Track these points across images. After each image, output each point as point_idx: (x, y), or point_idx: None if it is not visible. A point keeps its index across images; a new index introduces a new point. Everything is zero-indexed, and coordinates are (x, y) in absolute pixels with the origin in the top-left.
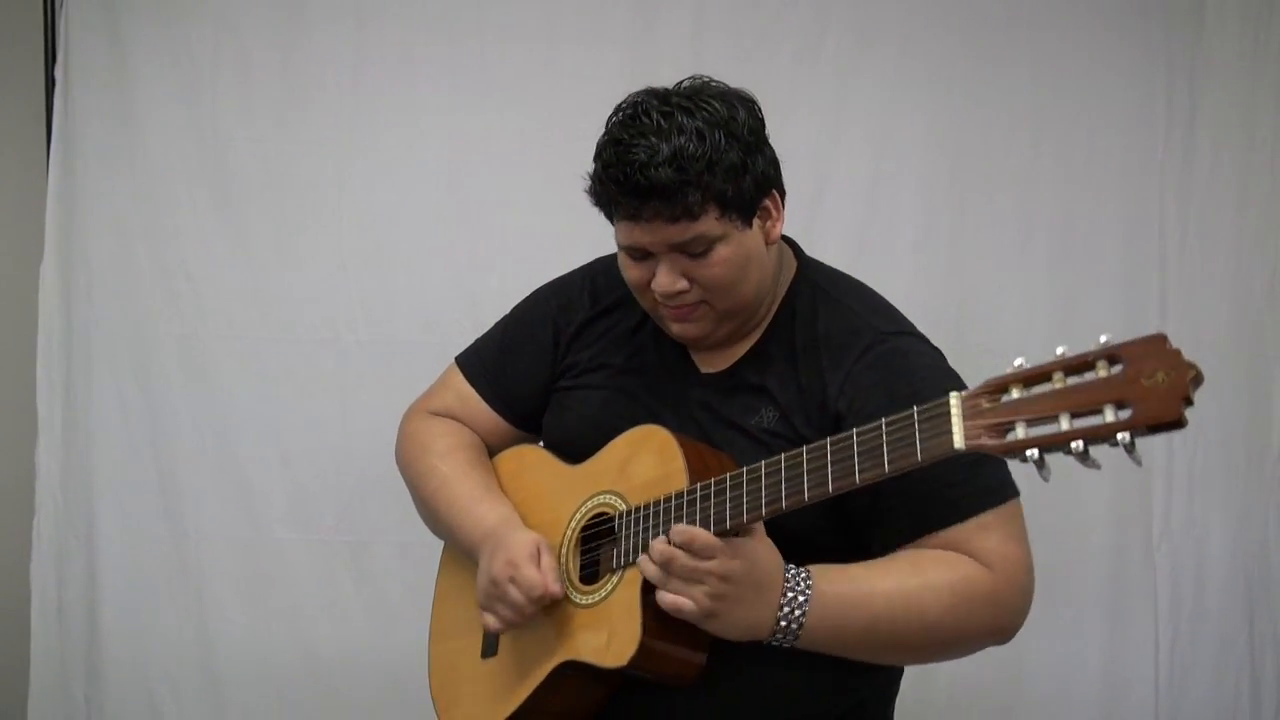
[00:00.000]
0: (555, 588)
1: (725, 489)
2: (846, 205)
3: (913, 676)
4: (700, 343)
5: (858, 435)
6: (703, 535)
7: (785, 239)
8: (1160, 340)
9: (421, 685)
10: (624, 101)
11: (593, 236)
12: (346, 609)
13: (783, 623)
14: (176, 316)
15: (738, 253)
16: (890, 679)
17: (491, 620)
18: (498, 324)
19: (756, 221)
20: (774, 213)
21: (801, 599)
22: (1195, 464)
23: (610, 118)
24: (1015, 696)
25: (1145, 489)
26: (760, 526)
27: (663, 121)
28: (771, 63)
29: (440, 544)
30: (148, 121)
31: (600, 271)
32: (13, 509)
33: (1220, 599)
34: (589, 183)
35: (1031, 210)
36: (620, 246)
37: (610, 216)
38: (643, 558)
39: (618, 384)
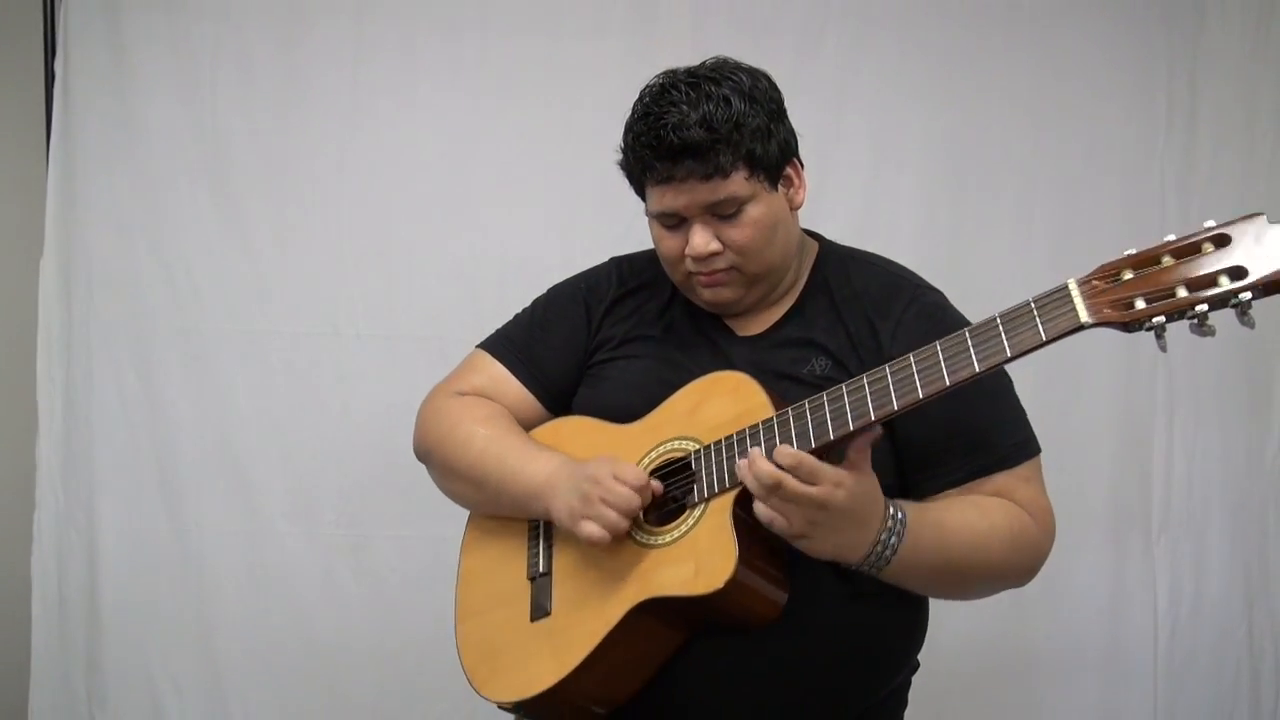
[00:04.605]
0: (654, 484)
1: (823, 404)
2: (847, 198)
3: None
4: (730, 308)
5: (970, 331)
6: (808, 460)
7: (806, 230)
8: (1261, 218)
9: (421, 677)
10: (650, 82)
11: (592, 229)
12: (346, 602)
13: (873, 556)
14: (176, 310)
15: (766, 214)
16: (907, 673)
17: (594, 529)
18: (522, 312)
19: (781, 187)
20: (795, 180)
21: (895, 537)
22: (1194, 457)
23: (637, 100)
24: (1014, 688)
25: (1145, 482)
26: (867, 461)
27: (691, 91)
28: (771, 55)
29: (444, 538)
30: (148, 115)
31: (624, 261)
32: (13, 503)
33: (1219, 592)
34: (621, 157)
35: (1032, 203)
36: (653, 215)
37: (642, 187)
38: (741, 465)
39: (658, 353)
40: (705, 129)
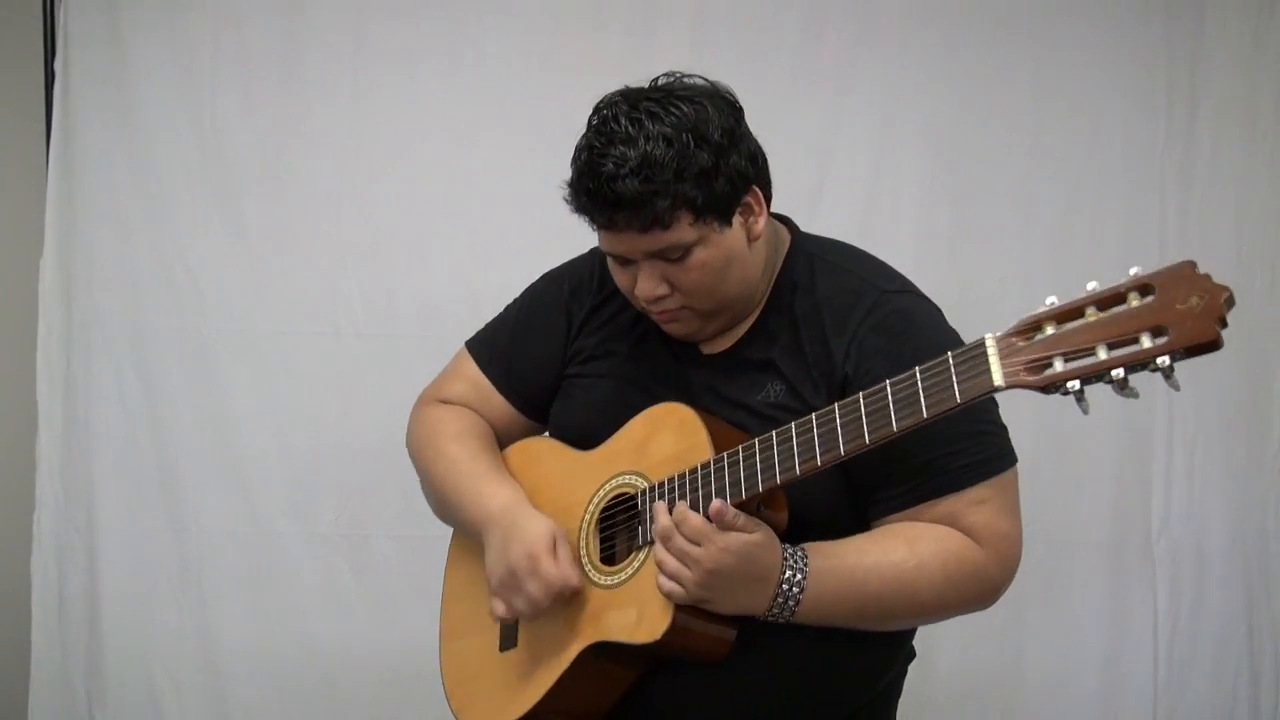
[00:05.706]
0: (575, 580)
1: (754, 453)
2: (847, 198)
3: (910, 668)
4: (691, 339)
5: (891, 386)
6: (692, 519)
7: (779, 216)
8: (1189, 266)
9: (421, 678)
10: (600, 102)
11: (592, 228)
12: (346, 602)
13: (775, 609)
14: (176, 310)
15: (716, 255)
16: (901, 664)
17: (501, 609)
18: (508, 308)
19: (737, 219)
20: (756, 208)
21: (796, 589)
22: (1195, 457)
23: (589, 119)
24: (1015, 689)
25: (1145, 482)
26: (752, 520)
27: (631, 128)
28: (772, 56)
29: (445, 538)
30: (147, 115)
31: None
32: (13, 503)
33: (1219, 592)
34: (566, 191)
35: (1032, 203)
36: (604, 252)
37: (590, 223)
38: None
39: (623, 372)
40: (641, 179)
